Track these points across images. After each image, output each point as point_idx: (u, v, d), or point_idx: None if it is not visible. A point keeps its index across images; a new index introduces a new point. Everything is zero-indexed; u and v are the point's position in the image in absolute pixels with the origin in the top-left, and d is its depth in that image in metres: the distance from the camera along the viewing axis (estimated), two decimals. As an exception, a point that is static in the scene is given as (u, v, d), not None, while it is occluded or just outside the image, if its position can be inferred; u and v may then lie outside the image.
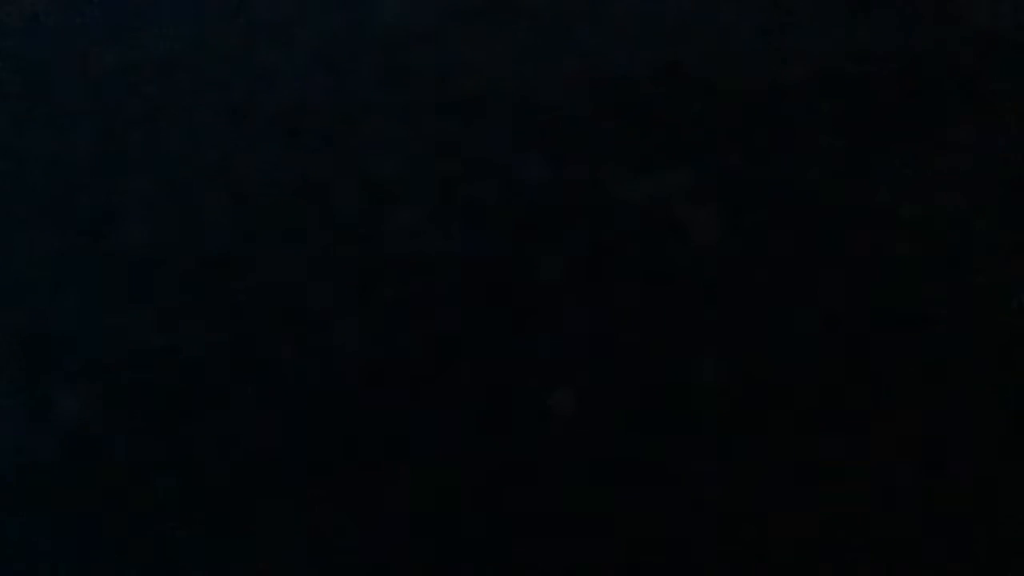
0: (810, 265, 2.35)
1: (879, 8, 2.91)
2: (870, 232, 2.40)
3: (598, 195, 2.56)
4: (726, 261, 2.39)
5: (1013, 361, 2.14)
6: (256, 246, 2.54)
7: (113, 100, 2.93)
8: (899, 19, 2.88)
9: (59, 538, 2.05)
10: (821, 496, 1.98)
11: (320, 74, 2.93)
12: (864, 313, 2.26)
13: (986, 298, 2.26)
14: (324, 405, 2.22)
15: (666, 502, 2.01)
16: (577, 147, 2.67)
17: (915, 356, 2.17)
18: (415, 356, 2.29)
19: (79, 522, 2.07)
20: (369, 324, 2.36)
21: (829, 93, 2.71)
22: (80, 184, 2.72)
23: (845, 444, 2.05)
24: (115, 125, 2.86)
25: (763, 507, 1.97)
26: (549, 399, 2.18)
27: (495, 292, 2.39)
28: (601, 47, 2.92)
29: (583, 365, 2.24)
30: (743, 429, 2.09)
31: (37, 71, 3.04)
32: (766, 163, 2.58)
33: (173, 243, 2.56)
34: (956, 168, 2.51)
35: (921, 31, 2.84)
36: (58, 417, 2.25)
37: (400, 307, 2.38)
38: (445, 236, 2.51)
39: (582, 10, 3.03)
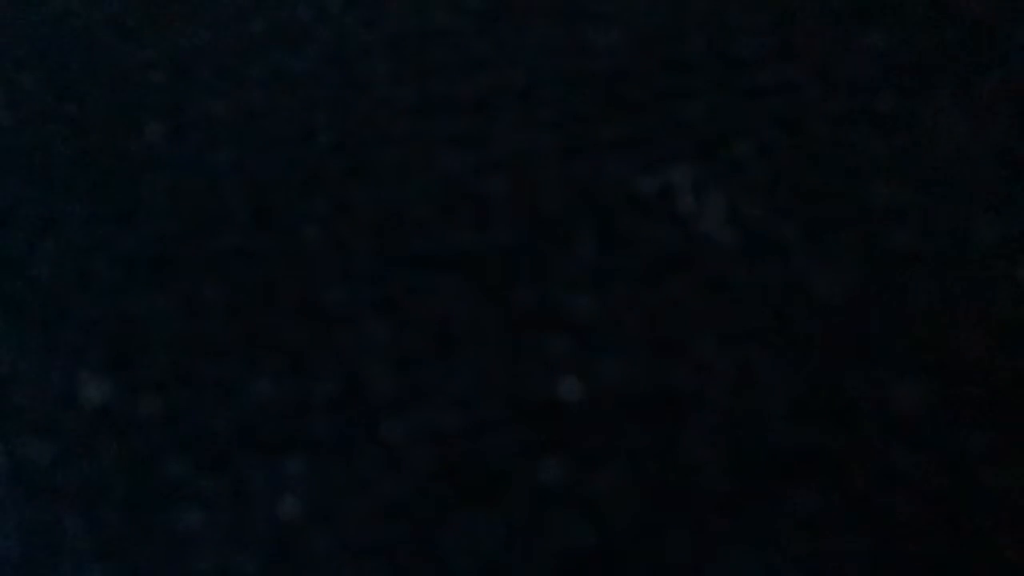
0: (812, 259, 2.40)
1: (878, 3, 2.95)
2: (871, 225, 2.45)
3: (604, 188, 2.61)
4: (730, 253, 2.43)
5: (1010, 340, 2.18)
6: (270, 242, 2.59)
7: (130, 99, 2.99)
8: (897, 15, 2.92)
9: (84, 522, 2.10)
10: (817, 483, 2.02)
11: (333, 73, 2.99)
12: (864, 306, 2.30)
13: (983, 287, 2.29)
14: (333, 392, 2.27)
15: (670, 490, 2.05)
16: (583, 141, 2.71)
17: (916, 350, 2.21)
18: (422, 348, 2.34)
19: (100, 505, 2.13)
20: (378, 318, 2.41)
21: (832, 86, 2.75)
22: (98, 179, 2.78)
23: (839, 435, 2.09)
24: (132, 123, 2.92)
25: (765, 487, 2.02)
26: (555, 389, 2.23)
27: (501, 286, 2.44)
28: (607, 43, 2.97)
29: (588, 356, 2.29)
30: (744, 420, 2.14)
31: (60, 70, 3.10)
32: (769, 157, 2.62)
33: (188, 239, 2.62)
34: (955, 159, 2.55)
35: (916, 26, 2.88)
36: (82, 402, 2.31)
37: (409, 302, 2.43)
38: (453, 231, 2.57)
39: (588, 6, 3.08)
